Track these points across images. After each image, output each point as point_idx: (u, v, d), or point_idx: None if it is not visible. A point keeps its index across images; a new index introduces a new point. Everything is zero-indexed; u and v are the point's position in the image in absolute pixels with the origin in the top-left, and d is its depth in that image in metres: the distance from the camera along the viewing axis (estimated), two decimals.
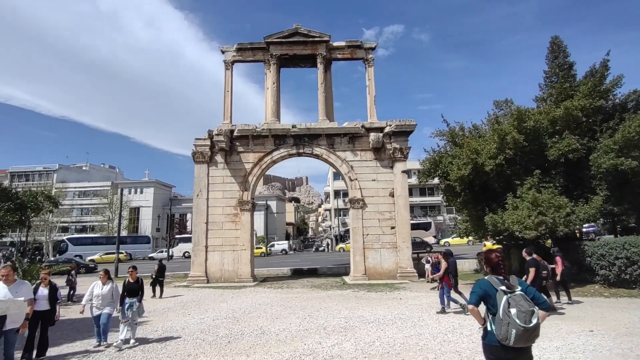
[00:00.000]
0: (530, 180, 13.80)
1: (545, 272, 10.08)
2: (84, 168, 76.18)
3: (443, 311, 10.18)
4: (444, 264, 10.70)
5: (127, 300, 8.08)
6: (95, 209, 63.23)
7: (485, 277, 3.78)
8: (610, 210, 15.03)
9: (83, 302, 7.78)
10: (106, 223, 59.84)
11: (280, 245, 55.30)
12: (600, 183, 13.75)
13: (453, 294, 10.58)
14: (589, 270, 13.21)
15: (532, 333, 3.33)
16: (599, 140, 14.08)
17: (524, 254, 10.23)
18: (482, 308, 3.71)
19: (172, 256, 45.11)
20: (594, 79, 14.74)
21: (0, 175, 65.29)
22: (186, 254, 43.43)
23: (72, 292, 15.03)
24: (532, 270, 9.49)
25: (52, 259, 33.22)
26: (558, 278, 10.85)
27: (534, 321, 3.31)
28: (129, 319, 7.95)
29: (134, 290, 8.23)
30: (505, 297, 3.44)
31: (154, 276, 15.63)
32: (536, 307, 3.42)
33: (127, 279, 8.38)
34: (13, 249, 52.56)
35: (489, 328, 3.59)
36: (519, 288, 3.52)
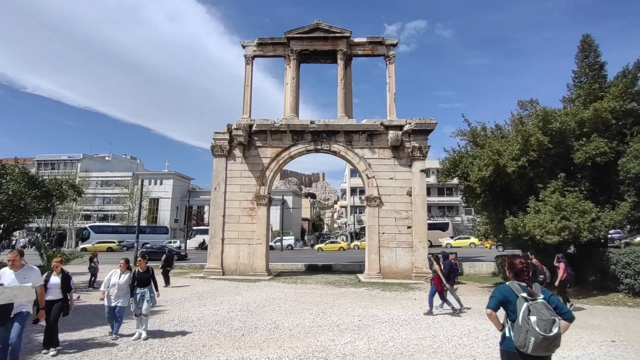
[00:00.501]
0: (554, 183, 13.39)
1: (542, 276, 10.00)
2: (106, 158, 78.28)
3: (430, 313, 10.10)
4: (436, 266, 10.54)
5: (138, 290, 7.76)
6: (117, 199, 64.89)
7: (507, 283, 3.70)
8: (638, 217, 14.44)
9: (102, 289, 7.68)
10: (126, 212, 61.37)
11: (286, 240, 51.48)
12: (629, 189, 13.22)
13: (449, 296, 10.50)
14: (613, 279, 12.76)
15: (552, 342, 3.26)
16: (628, 144, 13.51)
17: (555, 262, 10.35)
18: (501, 313, 3.62)
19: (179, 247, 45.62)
20: (626, 80, 14.13)
21: (28, 163, 67.68)
22: (203, 246, 43.82)
23: (93, 278, 15.47)
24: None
25: (149, 245, 33.13)
26: (556, 283, 10.70)
27: (555, 330, 3.24)
28: (141, 310, 7.66)
29: (144, 280, 7.87)
30: (525, 305, 3.38)
31: (161, 266, 15.99)
32: (558, 317, 3.33)
33: (136, 269, 8.02)
34: (39, 235, 54.59)
35: (507, 334, 3.54)
36: (541, 296, 3.45)
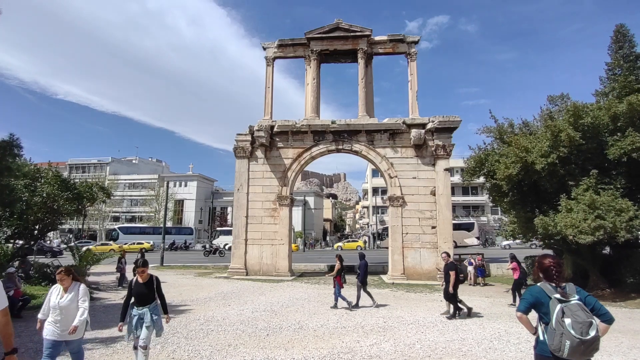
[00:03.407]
0: (587, 180, 12.79)
1: (462, 275, 10.19)
2: (133, 161, 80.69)
3: (356, 305, 11.01)
4: (337, 265, 11.35)
5: (135, 311, 5.52)
6: (144, 200, 66.77)
7: (538, 284, 3.51)
8: None
9: (39, 316, 4.87)
10: (153, 214, 63.05)
11: None
12: None
13: (363, 293, 11.25)
14: None
15: (589, 346, 3.06)
16: None
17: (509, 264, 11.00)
18: (534, 316, 3.45)
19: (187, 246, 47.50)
20: None
21: (60, 166, 70.70)
22: (226, 246, 44.53)
23: (122, 278, 15.94)
24: (452, 274, 9.75)
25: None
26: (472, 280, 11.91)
27: (592, 333, 3.04)
28: (139, 341, 5.41)
29: (144, 295, 5.57)
30: (559, 306, 3.19)
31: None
32: (595, 318, 3.13)
33: (133, 279, 5.76)
34: (71, 236, 56.84)
35: (541, 337, 3.37)
36: (576, 297, 3.25)
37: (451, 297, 9.87)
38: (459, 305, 9.99)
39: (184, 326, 8.73)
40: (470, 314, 10.01)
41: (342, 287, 11.21)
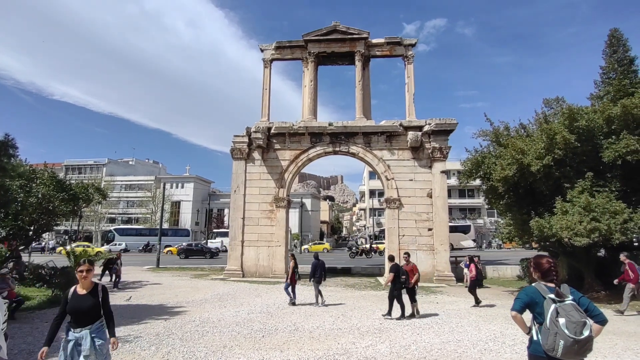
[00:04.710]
0: (582, 183, 12.86)
1: (403, 277, 10.19)
2: (130, 163, 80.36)
3: (293, 304, 11.68)
4: (291, 263, 12.31)
5: (71, 334, 4.04)
6: (140, 202, 66.46)
7: (533, 284, 3.53)
8: None
9: None
10: (149, 215, 62.78)
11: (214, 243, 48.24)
12: None
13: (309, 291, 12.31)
14: None
15: (583, 346, 3.08)
16: None
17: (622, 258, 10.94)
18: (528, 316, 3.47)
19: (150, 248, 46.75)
20: None
21: (56, 167, 70.28)
22: (223, 247, 44.41)
23: (117, 279, 15.85)
24: (391, 276, 10.02)
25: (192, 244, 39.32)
26: (468, 283, 12.27)
27: (586, 333, 3.06)
28: None
29: (84, 312, 4.08)
30: (553, 306, 3.20)
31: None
32: (588, 319, 3.15)
33: (70, 291, 4.24)
34: (66, 237, 56.46)
35: (534, 337, 3.38)
36: (570, 297, 3.26)
37: (396, 297, 10.00)
38: (402, 307, 10.01)
39: (179, 328, 8.69)
40: (410, 316, 9.98)
41: (296, 283, 12.17)
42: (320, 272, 12.12)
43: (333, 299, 13.02)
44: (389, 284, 10.19)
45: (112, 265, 16.24)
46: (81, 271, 4.17)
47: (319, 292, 11.93)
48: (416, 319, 9.80)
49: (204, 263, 29.02)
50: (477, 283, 12.18)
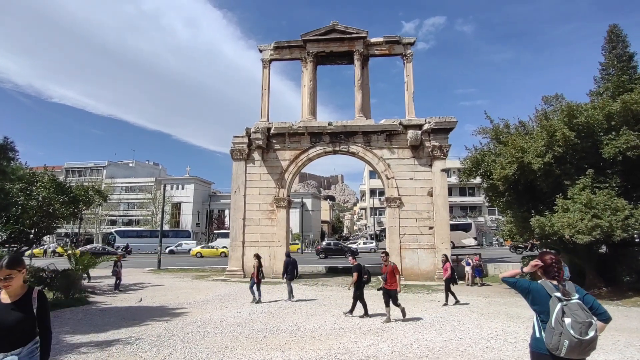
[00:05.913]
0: (582, 180, 12.84)
1: (366, 276, 10.18)
2: (130, 165, 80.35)
3: (259, 301, 12.08)
4: (255, 262, 12.57)
5: None
6: (141, 204, 66.43)
7: (539, 282, 3.49)
8: None
9: None
10: (150, 217, 62.77)
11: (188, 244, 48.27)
12: None
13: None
14: None
15: (587, 345, 3.04)
16: None
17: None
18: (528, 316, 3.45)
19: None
20: None
21: (56, 170, 70.36)
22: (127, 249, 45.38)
23: (118, 281, 15.84)
24: (355, 275, 9.97)
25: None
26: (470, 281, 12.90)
27: (591, 334, 3.01)
28: None
29: (9, 329, 2.80)
30: (559, 305, 3.15)
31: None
32: (594, 318, 3.12)
33: None
34: (67, 239, 56.49)
35: (536, 334, 3.33)
36: (576, 296, 3.22)
37: (359, 297, 10.05)
38: (365, 306, 10.03)
39: (181, 329, 8.68)
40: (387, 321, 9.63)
41: (260, 283, 12.53)
42: (292, 270, 12.90)
43: (333, 298, 13.02)
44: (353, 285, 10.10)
45: (115, 267, 16.22)
46: (6, 285, 2.86)
47: (291, 289, 12.73)
48: (416, 320, 9.78)
49: (204, 264, 28.95)
50: (451, 281, 12.18)
